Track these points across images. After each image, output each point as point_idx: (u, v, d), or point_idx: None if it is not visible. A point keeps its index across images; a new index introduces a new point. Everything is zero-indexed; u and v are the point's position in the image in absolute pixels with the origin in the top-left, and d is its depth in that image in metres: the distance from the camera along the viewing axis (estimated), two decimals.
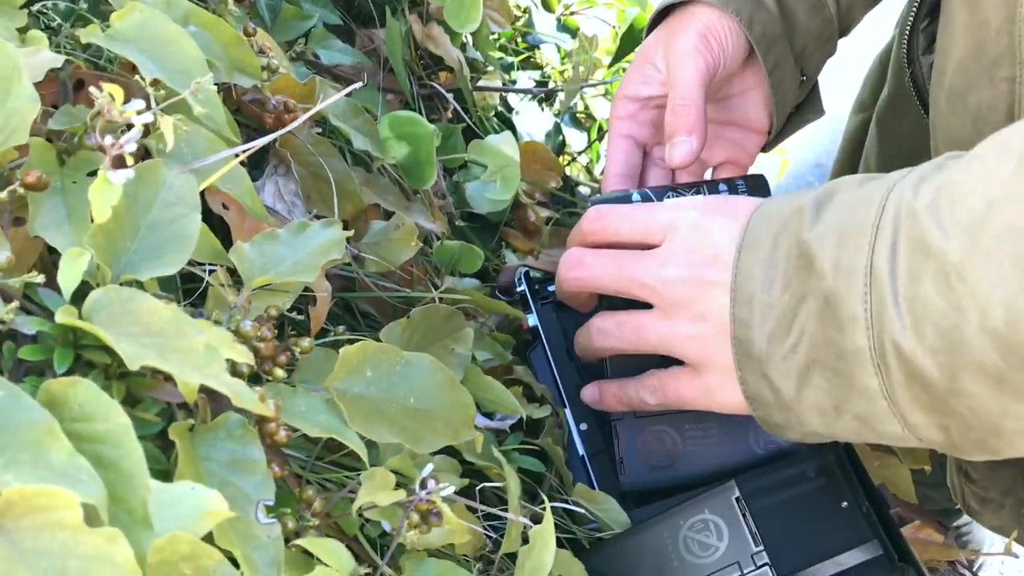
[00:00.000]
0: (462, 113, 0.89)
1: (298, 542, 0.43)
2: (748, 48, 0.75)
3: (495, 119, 1.05)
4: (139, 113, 0.38)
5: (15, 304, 0.37)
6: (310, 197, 0.68)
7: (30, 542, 0.30)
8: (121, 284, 0.41)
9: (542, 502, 0.65)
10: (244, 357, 0.41)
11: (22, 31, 0.52)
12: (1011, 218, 0.45)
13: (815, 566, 0.58)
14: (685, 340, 0.60)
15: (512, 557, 0.56)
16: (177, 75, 0.52)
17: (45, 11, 0.58)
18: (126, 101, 0.42)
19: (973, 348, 0.47)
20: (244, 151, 0.48)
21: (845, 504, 0.66)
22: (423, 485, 0.47)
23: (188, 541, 0.34)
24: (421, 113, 0.86)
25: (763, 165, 1.95)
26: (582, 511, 0.65)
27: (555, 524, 0.66)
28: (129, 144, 0.37)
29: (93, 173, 0.46)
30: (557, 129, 1.09)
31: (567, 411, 0.73)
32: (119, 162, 0.37)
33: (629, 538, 0.63)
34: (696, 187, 0.72)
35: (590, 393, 0.69)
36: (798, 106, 0.82)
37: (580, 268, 0.65)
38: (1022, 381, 0.47)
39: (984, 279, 0.46)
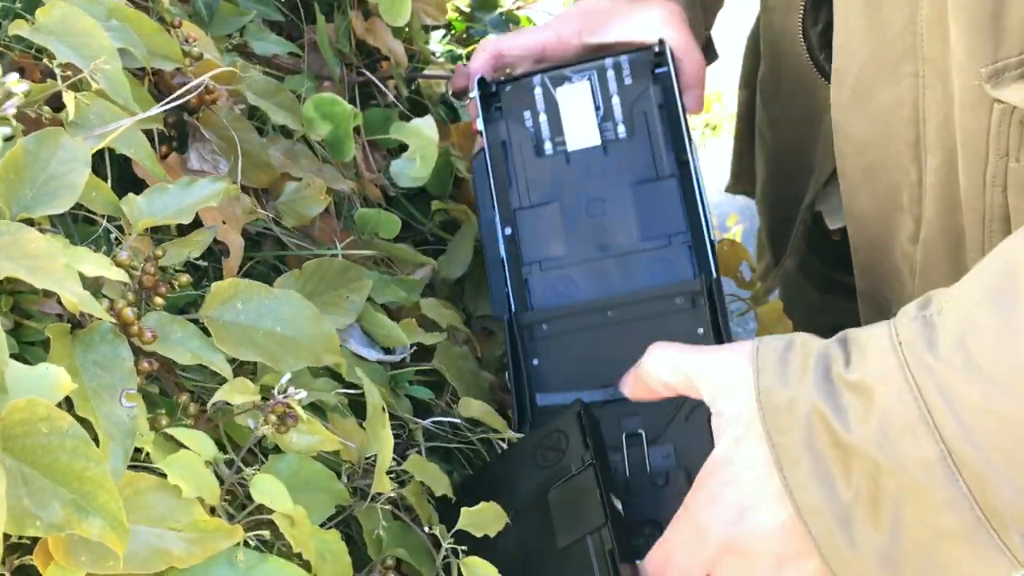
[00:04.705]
0: (393, 98, 0.99)
1: (166, 429, 0.53)
2: None
3: (442, 105, 1.15)
4: (16, 84, 0.48)
5: None
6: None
7: None
8: (18, 221, 0.51)
9: (434, 422, 0.75)
10: (115, 275, 0.51)
11: None
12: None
13: None
14: None
15: None
16: (91, 61, 0.62)
17: None
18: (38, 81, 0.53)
19: None
20: (137, 119, 0.59)
21: (700, 331, 0.75)
22: (282, 391, 0.57)
23: (45, 406, 0.44)
24: (352, 97, 0.96)
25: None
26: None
27: (445, 437, 0.76)
28: (10, 108, 0.48)
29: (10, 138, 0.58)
30: None
31: (496, 215, 0.83)
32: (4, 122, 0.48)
33: (502, 459, 0.73)
34: (584, 70, 0.84)
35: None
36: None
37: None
38: None
39: None
